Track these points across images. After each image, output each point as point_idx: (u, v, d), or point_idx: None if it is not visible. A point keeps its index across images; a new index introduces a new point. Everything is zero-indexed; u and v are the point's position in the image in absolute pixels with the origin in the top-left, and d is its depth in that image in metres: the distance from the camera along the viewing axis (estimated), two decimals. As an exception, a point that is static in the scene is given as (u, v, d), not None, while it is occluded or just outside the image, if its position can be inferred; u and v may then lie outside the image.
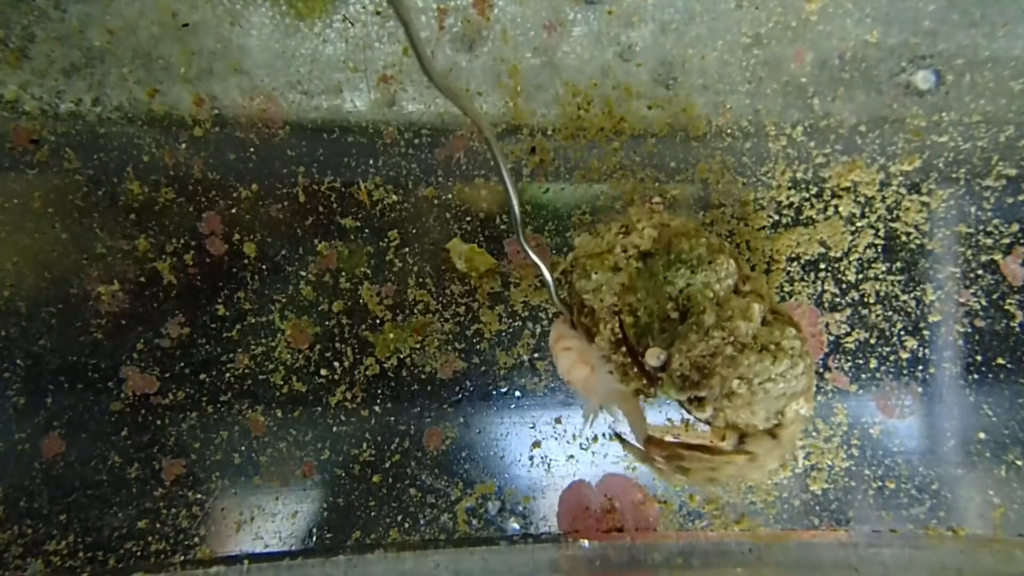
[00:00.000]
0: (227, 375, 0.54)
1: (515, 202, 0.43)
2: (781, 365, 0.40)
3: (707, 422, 0.43)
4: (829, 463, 0.56)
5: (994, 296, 0.56)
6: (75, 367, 0.52)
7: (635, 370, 0.43)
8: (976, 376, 0.56)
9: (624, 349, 0.43)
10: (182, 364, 0.54)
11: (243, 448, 0.54)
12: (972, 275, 0.55)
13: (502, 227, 0.57)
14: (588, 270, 0.45)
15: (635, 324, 0.42)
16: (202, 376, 0.54)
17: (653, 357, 0.41)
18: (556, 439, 0.57)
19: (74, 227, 0.53)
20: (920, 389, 0.56)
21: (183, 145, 0.53)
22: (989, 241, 0.55)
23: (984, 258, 0.55)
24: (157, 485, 0.53)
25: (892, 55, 0.54)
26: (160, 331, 0.54)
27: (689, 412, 0.42)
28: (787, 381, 0.40)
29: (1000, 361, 0.55)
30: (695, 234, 0.44)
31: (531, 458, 0.57)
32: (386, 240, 0.56)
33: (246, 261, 0.55)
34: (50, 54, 0.51)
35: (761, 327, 0.41)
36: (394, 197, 0.56)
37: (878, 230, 0.56)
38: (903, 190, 0.55)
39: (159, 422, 0.53)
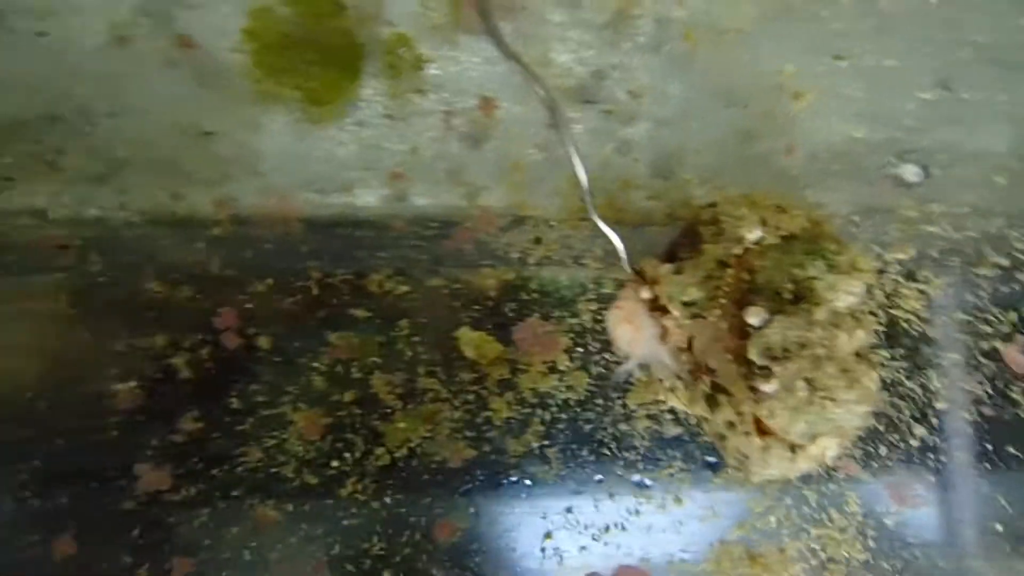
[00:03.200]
0: (239, 469, 0.55)
1: (582, 173, 0.45)
2: (851, 393, 0.40)
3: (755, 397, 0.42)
4: (846, 555, 0.55)
5: (998, 384, 0.56)
6: (90, 466, 0.53)
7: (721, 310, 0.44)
8: (988, 465, 0.55)
9: (719, 285, 0.44)
10: (195, 459, 0.54)
11: (253, 544, 0.54)
12: (975, 362, 0.56)
13: (510, 315, 0.58)
14: (740, 210, 0.46)
15: (749, 282, 0.43)
16: (214, 471, 0.54)
17: (755, 314, 0.42)
18: (568, 529, 0.57)
19: (96, 327, 0.54)
20: (932, 478, 0.56)
21: (202, 245, 0.56)
22: (989, 329, 0.56)
23: (985, 346, 0.56)
24: (166, 586, 0.53)
25: (879, 150, 0.57)
26: (175, 427, 0.54)
27: (753, 380, 0.42)
28: (846, 411, 0.40)
29: (1011, 450, 0.55)
30: (844, 245, 0.45)
31: (543, 549, 0.56)
32: (397, 329, 0.57)
33: (260, 354, 0.56)
34: (79, 165, 0.54)
35: (853, 356, 0.41)
36: (404, 287, 0.58)
37: (878, 316, 0.57)
38: (900, 278, 0.57)
39: (171, 519, 0.53)
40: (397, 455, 0.56)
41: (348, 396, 0.56)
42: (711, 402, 0.45)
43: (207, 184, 0.56)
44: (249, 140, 0.57)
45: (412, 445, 0.56)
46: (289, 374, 0.56)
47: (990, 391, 0.56)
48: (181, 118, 0.56)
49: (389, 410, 0.56)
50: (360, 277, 0.57)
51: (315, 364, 0.56)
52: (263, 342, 0.56)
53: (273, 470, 0.55)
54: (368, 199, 0.58)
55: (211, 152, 0.56)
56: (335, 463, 0.56)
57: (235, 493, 0.54)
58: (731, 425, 0.44)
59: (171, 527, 0.53)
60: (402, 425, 0.57)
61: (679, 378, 0.51)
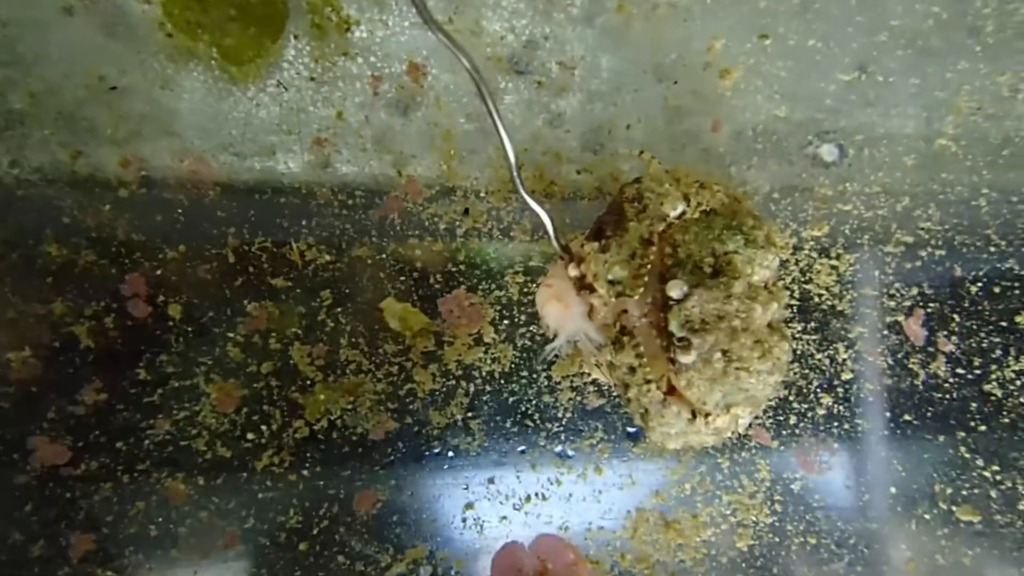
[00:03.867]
0: (146, 442, 0.52)
1: (508, 145, 0.45)
2: (765, 364, 0.42)
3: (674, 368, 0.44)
4: (754, 519, 0.57)
5: (899, 355, 0.59)
6: (-23, 439, 0.50)
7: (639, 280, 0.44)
8: (886, 432, 0.58)
9: (644, 263, 0.45)
10: (97, 432, 0.52)
11: (160, 519, 0.52)
12: (879, 335, 0.59)
13: (436, 286, 0.57)
14: (664, 187, 0.46)
15: (672, 256, 0.44)
16: (119, 444, 0.52)
17: (676, 287, 0.43)
18: (489, 499, 0.57)
19: (-16, 292, 0.51)
20: (836, 445, 0.58)
21: (107, 206, 0.53)
22: (892, 303, 0.59)
23: (889, 319, 0.59)
24: (63, 563, 0.50)
25: (800, 129, 0.58)
26: (75, 398, 0.51)
27: (673, 351, 0.43)
28: (759, 381, 0.42)
29: (907, 417, 0.58)
30: (761, 220, 0.46)
31: (464, 520, 0.56)
32: (318, 300, 0.56)
33: (171, 323, 0.53)
34: (-34, 116, 0.50)
35: (766, 327, 0.43)
36: (327, 257, 0.56)
37: (793, 291, 0.59)
38: (814, 254, 0.59)
39: (68, 495, 0.51)
40: (316, 427, 0.55)
41: (266, 367, 0.55)
42: (617, 344, 0.45)
43: (113, 142, 0.53)
44: (161, 97, 0.54)
45: (332, 417, 0.55)
46: (202, 344, 0.54)
47: (891, 362, 0.58)
48: (84, 70, 0.52)
49: (309, 382, 0.55)
50: (280, 246, 0.55)
51: (231, 334, 0.54)
52: (174, 311, 0.54)
53: (183, 443, 0.53)
54: (290, 165, 0.56)
55: (118, 108, 0.53)
56: (251, 436, 0.54)
57: (141, 467, 0.52)
58: (632, 371, 0.44)
59: (69, 503, 0.51)
60: (322, 397, 0.56)
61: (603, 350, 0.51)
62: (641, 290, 0.45)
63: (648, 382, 0.44)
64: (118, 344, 0.52)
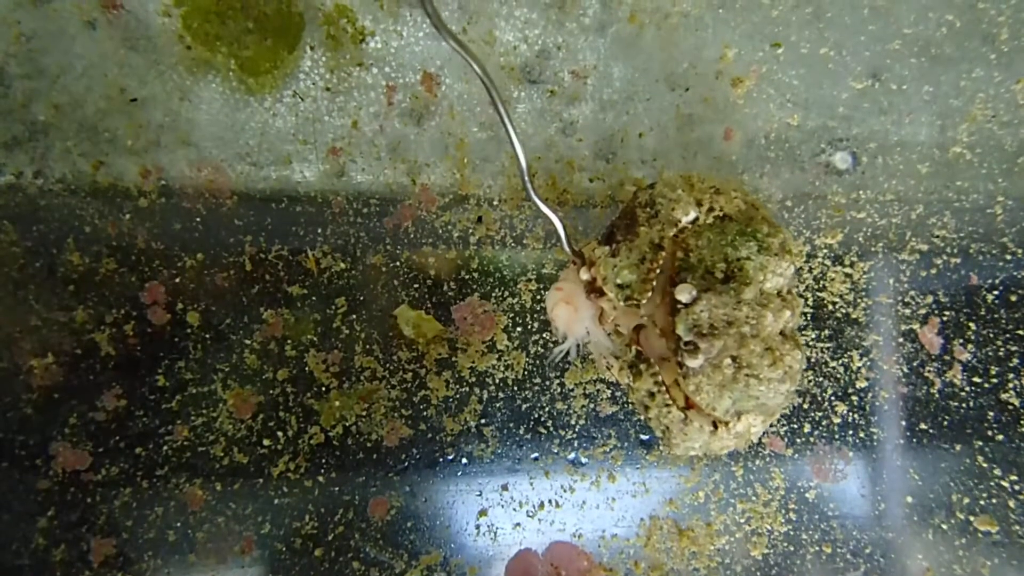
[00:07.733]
0: (164, 448, 0.53)
1: (520, 152, 0.45)
2: (776, 372, 0.41)
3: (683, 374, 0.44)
4: (768, 527, 0.57)
5: (914, 363, 0.59)
6: (1, 445, 0.50)
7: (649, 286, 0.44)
8: (902, 441, 0.58)
9: (653, 268, 0.45)
10: (117, 438, 0.52)
11: (179, 524, 0.53)
12: (894, 343, 0.58)
13: (449, 294, 0.58)
14: (676, 192, 0.46)
15: (683, 260, 0.44)
16: (138, 450, 0.53)
17: (685, 291, 0.43)
18: (503, 506, 0.57)
19: (8, 300, 0.52)
20: (851, 453, 0.58)
21: (127, 216, 0.54)
22: (907, 311, 0.59)
23: (904, 327, 0.58)
24: (84, 568, 0.51)
25: (812, 137, 0.58)
26: (95, 404, 0.52)
27: (680, 355, 0.43)
28: (770, 389, 0.42)
29: (923, 426, 0.58)
30: (777, 228, 0.46)
31: (477, 526, 0.57)
32: (333, 307, 0.56)
33: (189, 330, 0.54)
34: (-8, 128, 0.52)
35: (779, 335, 0.43)
36: (342, 265, 0.57)
37: (807, 299, 0.59)
38: (828, 262, 0.59)
39: (89, 500, 0.51)
40: (331, 434, 0.56)
41: (281, 374, 0.55)
42: (634, 372, 0.45)
43: (133, 153, 0.54)
44: (180, 108, 0.55)
45: (347, 424, 0.56)
46: (219, 351, 0.55)
47: (906, 370, 0.58)
48: (106, 83, 0.53)
49: (324, 388, 0.56)
50: (296, 254, 0.56)
51: (247, 341, 0.55)
52: (192, 318, 0.54)
53: (201, 449, 0.54)
54: (306, 174, 0.57)
55: (138, 119, 0.54)
56: (267, 442, 0.55)
57: (160, 472, 0.53)
58: (651, 395, 0.45)
59: (89, 508, 0.51)
60: (337, 404, 0.56)
61: (616, 357, 0.51)
62: (649, 295, 0.45)
63: (668, 406, 0.44)
64: (137, 351, 0.53)
